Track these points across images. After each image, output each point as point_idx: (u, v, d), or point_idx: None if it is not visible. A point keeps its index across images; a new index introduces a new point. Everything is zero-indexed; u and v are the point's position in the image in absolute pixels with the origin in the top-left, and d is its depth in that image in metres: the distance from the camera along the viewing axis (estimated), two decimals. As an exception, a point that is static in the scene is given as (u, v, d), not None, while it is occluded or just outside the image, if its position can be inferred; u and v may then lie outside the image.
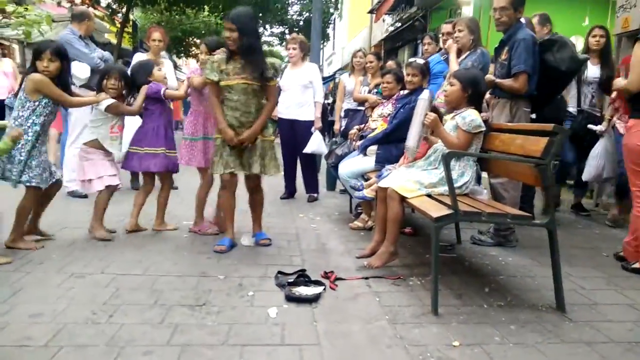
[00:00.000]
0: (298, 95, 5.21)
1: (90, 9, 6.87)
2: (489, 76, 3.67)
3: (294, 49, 5.20)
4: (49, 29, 8.60)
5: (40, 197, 3.35)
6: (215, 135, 3.48)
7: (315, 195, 5.46)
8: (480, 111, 3.19)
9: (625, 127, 3.40)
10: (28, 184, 3.20)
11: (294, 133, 5.28)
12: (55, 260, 3.06)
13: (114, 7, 12.74)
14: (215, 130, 3.49)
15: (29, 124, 3.18)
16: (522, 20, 3.72)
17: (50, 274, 2.83)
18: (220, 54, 3.38)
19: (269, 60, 3.38)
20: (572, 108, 4.83)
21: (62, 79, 3.30)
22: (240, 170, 3.44)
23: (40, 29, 7.15)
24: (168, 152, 3.78)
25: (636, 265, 3.22)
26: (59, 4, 10.83)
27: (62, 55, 3.26)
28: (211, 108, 3.50)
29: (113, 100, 3.54)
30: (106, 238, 3.53)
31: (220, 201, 3.71)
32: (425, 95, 3.34)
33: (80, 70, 4.75)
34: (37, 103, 3.19)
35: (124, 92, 3.67)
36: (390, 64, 5.61)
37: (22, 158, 3.15)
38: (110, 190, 3.62)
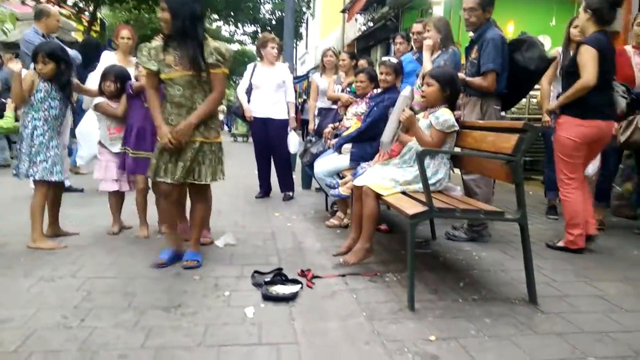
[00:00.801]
0: (272, 94, 5.21)
1: (56, 7, 6.70)
2: (460, 74, 3.73)
3: (277, 49, 5.27)
4: (13, 27, 8.36)
5: (51, 196, 3.44)
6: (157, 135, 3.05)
7: (291, 193, 5.45)
8: (454, 110, 3.24)
9: (556, 122, 3.65)
10: (32, 177, 3.29)
11: (267, 132, 5.27)
12: (23, 264, 2.97)
13: (81, 5, 12.45)
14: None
15: (28, 119, 3.28)
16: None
17: (19, 278, 2.75)
18: (157, 40, 3.03)
19: (213, 44, 2.94)
20: None
21: (59, 80, 3.33)
22: (171, 179, 2.95)
23: (4, 28, 6.95)
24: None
25: (560, 244, 3.57)
26: (23, 2, 10.51)
27: (57, 57, 3.31)
28: (148, 101, 3.10)
29: (102, 100, 3.58)
30: (113, 232, 3.70)
31: (160, 209, 3.35)
32: (406, 92, 3.36)
33: None
34: (32, 98, 3.27)
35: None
36: (362, 62, 5.64)
37: (24, 151, 3.26)
38: (114, 193, 3.71)
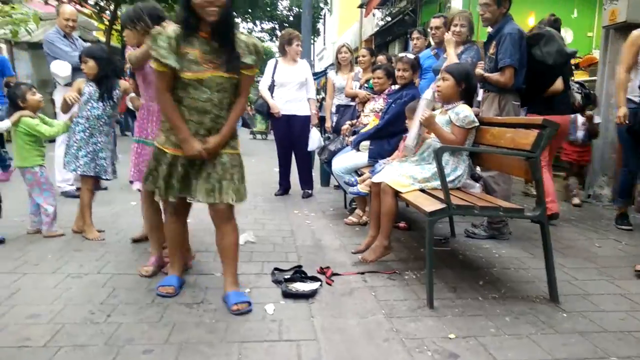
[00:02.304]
0: (296, 91, 5.25)
1: (77, 7, 6.82)
2: (478, 70, 3.71)
3: (301, 47, 5.37)
4: (36, 27, 8.52)
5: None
6: (158, 143, 2.46)
7: (310, 191, 5.48)
8: (471, 105, 3.22)
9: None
10: (74, 171, 3.63)
11: (290, 129, 5.29)
12: (50, 261, 3.06)
13: (102, 4, 12.62)
14: (158, 139, 2.47)
15: (78, 116, 3.58)
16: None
17: (47, 275, 2.83)
18: (173, 27, 2.28)
19: (250, 40, 2.37)
20: (638, 98, 3.94)
21: (99, 75, 3.53)
22: (189, 194, 2.44)
23: (27, 28, 7.09)
24: None
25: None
26: (46, 2, 10.71)
27: (94, 55, 3.53)
28: (162, 108, 2.41)
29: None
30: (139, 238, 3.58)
31: (165, 229, 2.72)
32: (428, 94, 3.35)
33: (61, 69, 4.73)
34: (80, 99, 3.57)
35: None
36: (381, 58, 5.63)
37: (70, 147, 3.57)
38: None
